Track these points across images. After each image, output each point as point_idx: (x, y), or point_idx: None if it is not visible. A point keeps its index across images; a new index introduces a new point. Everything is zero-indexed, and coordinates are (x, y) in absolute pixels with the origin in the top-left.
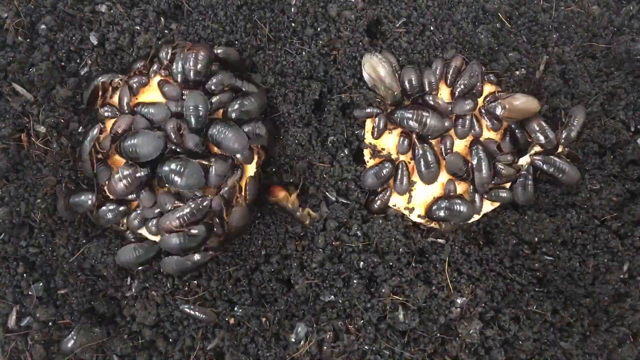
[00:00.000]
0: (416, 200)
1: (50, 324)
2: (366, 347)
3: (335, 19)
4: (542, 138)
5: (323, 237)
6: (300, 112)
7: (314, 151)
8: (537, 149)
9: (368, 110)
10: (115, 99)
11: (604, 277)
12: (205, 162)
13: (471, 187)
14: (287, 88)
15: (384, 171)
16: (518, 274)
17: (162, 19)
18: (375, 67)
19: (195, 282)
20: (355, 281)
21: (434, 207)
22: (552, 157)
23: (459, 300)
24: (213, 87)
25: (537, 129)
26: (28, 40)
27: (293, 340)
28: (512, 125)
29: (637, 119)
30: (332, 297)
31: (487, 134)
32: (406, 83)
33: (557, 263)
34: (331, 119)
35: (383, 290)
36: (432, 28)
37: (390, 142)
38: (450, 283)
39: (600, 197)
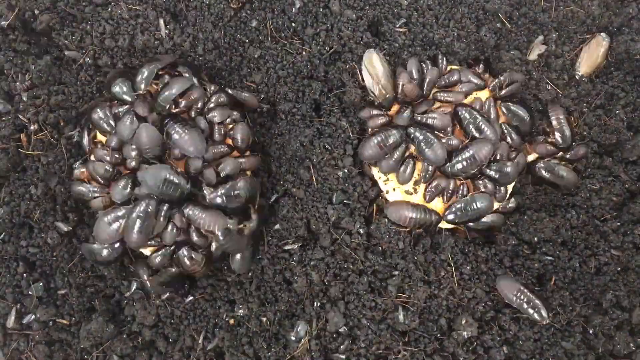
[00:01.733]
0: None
1: (50, 324)
2: (365, 346)
3: (337, 19)
4: (559, 135)
5: (326, 238)
6: (301, 112)
7: (315, 152)
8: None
9: (374, 112)
10: None
11: (604, 277)
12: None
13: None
14: (288, 88)
15: (390, 139)
16: (518, 274)
17: (162, 19)
18: (375, 65)
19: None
20: (357, 281)
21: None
22: (552, 163)
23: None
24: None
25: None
26: (26, 38)
27: (293, 338)
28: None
29: (637, 119)
30: (333, 296)
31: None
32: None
33: (557, 263)
34: (332, 119)
35: (387, 291)
36: (433, 28)
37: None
38: (451, 283)
39: (600, 197)
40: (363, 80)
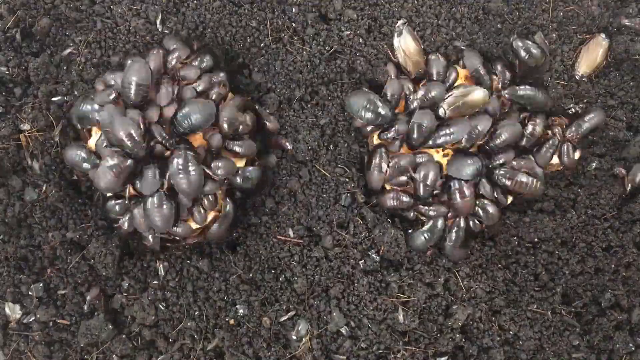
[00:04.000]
0: None
1: (50, 324)
2: (365, 346)
3: (338, 18)
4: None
5: (327, 238)
6: (305, 114)
7: (317, 152)
8: None
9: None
10: None
11: (604, 276)
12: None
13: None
14: (291, 89)
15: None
16: (518, 274)
17: (161, 18)
18: (408, 40)
19: (195, 282)
20: (357, 281)
21: None
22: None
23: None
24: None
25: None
26: (27, 42)
27: (294, 338)
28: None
29: (637, 119)
30: (334, 296)
31: None
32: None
33: (557, 263)
34: (334, 118)
35: (387, 291)
36: (434, 26)
37: None
38: (451, 283)
39: (600, 197)
40: (395, 56)
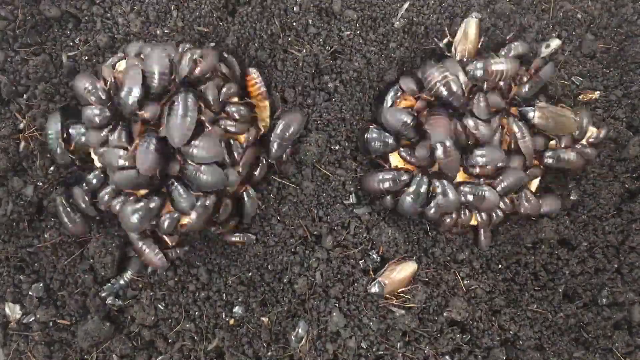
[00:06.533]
0: None
1: (50, 324)
2: (365, 346)
3: (338, 18)
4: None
5: (327, 238)
6: (314, 115)
7: (318, 152)
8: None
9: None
10: None
11: (603, 276)
12: None
13: None
14: (294, 90)
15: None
16: (518, 274)
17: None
18: (469, 30)
19: (195, 282)
20: (357, 281)
21: None
22: None
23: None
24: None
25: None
26: (26, 40)
27: (294, 339)
28: None
29: (637, 119)
30: (334, 296)
31: None
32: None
33: (556, 263)
34: (336, 118)
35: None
36: (434, 28)
37: None
38: (451, 283)
39: (600, 197)
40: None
